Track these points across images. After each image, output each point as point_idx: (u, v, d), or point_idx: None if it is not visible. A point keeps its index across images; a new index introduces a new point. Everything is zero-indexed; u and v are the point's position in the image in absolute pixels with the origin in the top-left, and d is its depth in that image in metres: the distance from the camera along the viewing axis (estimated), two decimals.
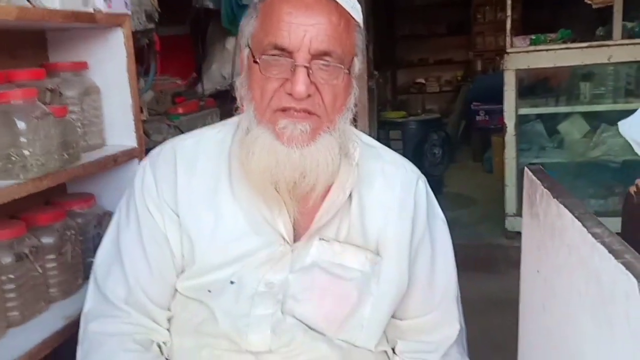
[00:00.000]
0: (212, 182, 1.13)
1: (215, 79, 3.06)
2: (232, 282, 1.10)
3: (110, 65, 1.58)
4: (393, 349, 1.23)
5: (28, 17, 1.22)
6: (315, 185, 1.05)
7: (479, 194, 5.07)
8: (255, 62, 1.01)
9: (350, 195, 1.14)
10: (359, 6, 1.09)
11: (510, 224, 3.99)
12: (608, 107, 3.99)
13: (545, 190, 0.96)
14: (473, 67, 7.93)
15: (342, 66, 1.02)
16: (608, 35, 3.79)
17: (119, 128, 1.62)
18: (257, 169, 1.03)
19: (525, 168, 1.16)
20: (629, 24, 3.80)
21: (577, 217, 0.78)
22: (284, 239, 1.10)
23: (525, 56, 3.87)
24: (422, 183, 1.22)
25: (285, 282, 1.10)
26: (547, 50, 3.83)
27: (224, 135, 1.17)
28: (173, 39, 2.85)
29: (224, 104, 2.99)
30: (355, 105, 1.11)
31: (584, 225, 0.74)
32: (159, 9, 1.89)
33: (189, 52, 3.22)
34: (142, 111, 2.05)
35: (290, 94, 0.99)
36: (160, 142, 1.99)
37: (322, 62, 1.00)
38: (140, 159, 1.62)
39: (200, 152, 1.15)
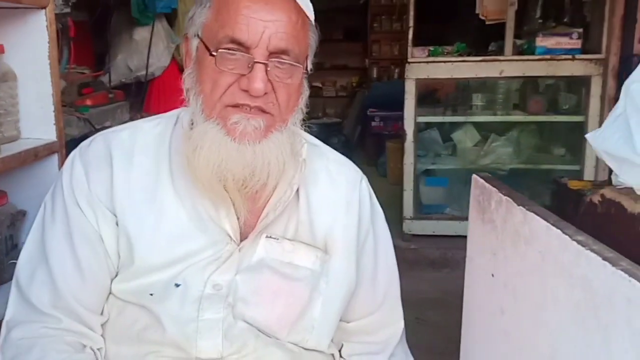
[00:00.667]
0: (152, 177, 1.07)
1: (121, 71, 2.92)
2: (177, 285, 1.05)
3: (29, 50, 1.45)
4: (340, 351, 1.23)
5: None
6: (266, 183, 1.02)
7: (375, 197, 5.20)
8: (211, 55, 0.97)
9: (297, 192, 1.12)
10: (311, 5, 1.07)
11: (407, 226, 4.13)
12: (497, 119, 4.23)
13: (506, 197, 1.00)
14: (369, 74, 8.14)
15: (299, 65, 1.01)
16: (499, 51, 4.03)
17: (36, 119, 1.49)
18: (206, 165, 0.99)
19: (474, 176, 1.21)
20: (519, 41, 4.07)
21: (553, 225, 0.82)
22: (230, 237, 1.06)
23: (424, 66, 4.02)
24: (365, 182, 1.23)
25: (233, 284, 1.06)
26: (445, 62, 4.00)
27: (162, 129, 1.12)
28: (77, 25, 2.67)
29: (131, 97, 2.86)
30: (307, 113, 1.10)
31: (564, 232, 0.78)
32: None
33: (89, 40, 3.04)
34: None
35: (245, 91, 0.96)
36: (73, 136, 1.86)
37: (279, 60, 0.98)
38: (61, 154, 1.50)
39: (137, 145, 1.09)
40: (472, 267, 1.18)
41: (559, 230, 0.79)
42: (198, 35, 1.01)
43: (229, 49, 0.96)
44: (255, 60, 0.95)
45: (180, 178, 1.06)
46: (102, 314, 1.07)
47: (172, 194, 1.06)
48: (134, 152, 1.08)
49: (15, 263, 1.08)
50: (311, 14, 1.06)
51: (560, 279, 0.78)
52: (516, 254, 0.95)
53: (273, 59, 0.97)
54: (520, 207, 0.93)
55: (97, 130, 2.22)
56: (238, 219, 1.07)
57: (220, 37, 0.96)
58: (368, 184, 1.24)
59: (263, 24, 0.95)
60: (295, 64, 0.99)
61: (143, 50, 2.88)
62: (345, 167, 1.22)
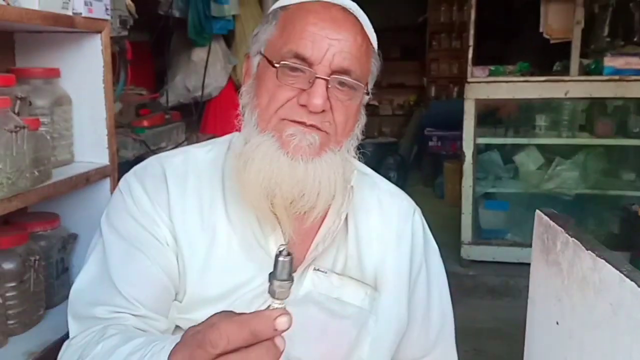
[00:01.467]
0: (206, 204, 1.04)
1: (179, 92, 2.95)
2: None
3: (84, 74, 1.46)
4: None
5: (5, 17, 1.10)
6: (315, 206, 0.98)
7: (432, 220, 4.91)
8: (273, 66, 0.95)
9: (346, 223, 1.08)
10: (375, 34, 1.05)
11: (465, 252, 4.00)
12: (562, 141, 4.06)
13: (573, 239, 0.92)
14: (427, 93, 8.01)
15: (361, 84, 0.97)
16: (565, 70, 3.88)
17: (89, 143, 1.49)
18: (255, 177, 0.95)
19: (538, 212, 1.12)
20: (585, 61, 3.91)
21: (627, 275, 0.73)
22: None
23: (485, 86, 3.91)
24: (418, 214, 1.18)
25: None
26: (506, 82, 3.88)
27: (215, 155, 1.09)
28: (135, 46, 2.72)
29: (188, 118, 2.88)
30: (363, 132, 1.06)
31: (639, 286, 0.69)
32: (136, 15, 1.77)
33: (149, 61, 3.09)
34: None
35: (303, 106, 0.94)
36: (128, 158, 1.87)
37: (341, 79, 0.95)
38: (113, 178, 1.50)
39: (190, 171, 1.06)
40: (534, 310, 1.09)
41: (633, 283, 0.71)
42: (261, 52, 1.00)
43: (292, 62, 0.94)
44: (317, 76, 0.93)
45: (231, 203, 1.03)
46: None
47: (225, 221, 1.03)
48: (187, 178, 1.06)
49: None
50: (375, 42, 1.04)
51: (634, 337, 0.69)
52: (584, 303, 0.86)
53: (335, 77, 0.94)
54: (590, 251, 0.84)
55: (153, 152, 2.25)
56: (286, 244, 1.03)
57: (284, 52, 0.95)
58: (422, 216, 1.19)
59: (328, 41, 0.94)
60: (356, 85, 0.96)
61: (200, 71, 2.90)
62: (397, 197, 1.17)
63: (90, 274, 1.03)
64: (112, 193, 1.49)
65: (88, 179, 1.41)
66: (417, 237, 1.14)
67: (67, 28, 1.33)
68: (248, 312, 1.01)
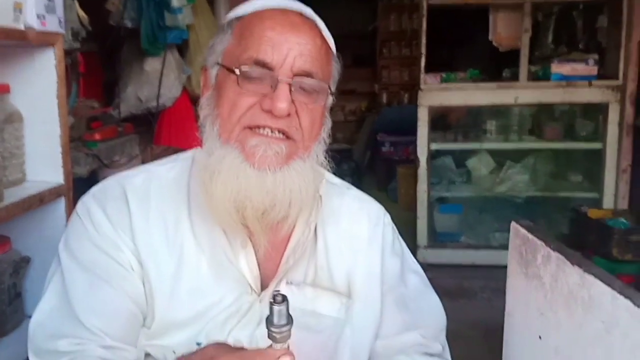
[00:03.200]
0: (171, 224, 1.00)
1: (131, 103, 2.84)
2: (198, 344, 0.96)
3: (36, 89, 1.37)
4: None
5: None
6: (287, 215, 0.95)
7: None
8: (232, 72, 0.92)
9: (315, 233, 1.06)
10: (332, 40, 1.03)
11: (422, 255, 4.03)
12: (512, 146, 4.16)
13: (556, 254, 0.91)
14: (378, 99, 8.08)
15: (324, 85, 0.95)
16: (514, 77, 3.97)
17: (42, 161, 1.41)
18: (223, 192, 0.91)
19: (513, 223, 1.11)
20: (533, 67, 4.01)
21: (620, 293, 0.73)
22: (250, 287, 0.99)
23: (437, 93, 3.96)
24: (388, 218, 1.16)
25: (254, 339, 0.98)
26: (458, 89, 3.94)
27: (178, 172, 1.05)
28: (85, 57, 2.62)
29: (141, 129, 2.79)
30: (329, 136, 1.04)
31: (635, 304, 0.69)
32: (89, 27, 1.69)
33: (99, 72, 2.98)
34: None
35: (268, 111, 0.91)
36: (82, 175, 1.79)
37: (304, 81, 0.92)
38: (68, 198, 1.42)
39: (153, 190, 1.01)
40: (513, 323, 1.08)
41: (628, 301, 0.70)
42: (218, 63, 0.97)
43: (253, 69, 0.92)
44: (279, 79, 0.90)
45: (199, 223, 1.00)
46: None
47: (192, 240, 0.99)
48: (149, 198, 1.01)
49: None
50: (333, 46, 1.02)
51: (633, 357, 0.69)
52: (571, 320, 0.85)
53: (298, 80, 0.92)
54: (576, 266, 0.84)
55: (106, 166, 2.16)
56: (258, 264, 1.00)
57: (244, 59, 0.92)
58: (391, 220, 1.17)
59: (288, 45, 0.91)
60: (319, 88, 0.94)
61: (154, 81, 2.81)
62: (366, 203, 1.15)
63: (49, 306, 0.96)
64: (67, 213, 1.42)
65: (42, 200, 1.33)
66: (387, 239, 1.12)
67: (17, 42, 1.25)
68: (222, 333, 0.97)
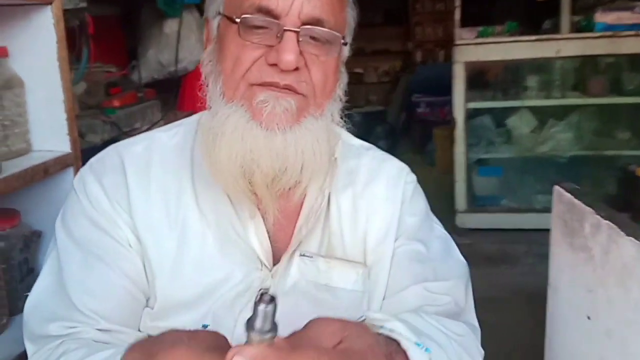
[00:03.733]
0: (173, 195, 0.91)
1: (152, 67, 2.76)
2: (204, 326, 0.88)
3: (36, 52, 1.28)
4: None
5: None
6: (300, 180, 0.86)
7: (423, 187, 4.91)
8: (234, 22, 0.82)
9: (328, 199, 0.96)
10: None
11: (460, 220, 3.91)
12: (555, 102, 3.94)
13: (607, 222, 0.78)
14: (412, 58, 7.84)
15: (337, 35, 0.85)
16: (554, 29, 3.75)
17: (48, 129, 1.33)
18: (228, 156, 0.82)
19: (556, 187, 0.98)
20: (575, 18, 3.77)
21: None
22: (261, 262, 0.90)
23: (474, 49, 3.77)
24: (411, 176, 1.03)
25: None
26: (496, 43, 3.74)
27: (181, 139, 0.96)
28: (102, 20, 2.52)
29: (164, 95, 2.71)
30: (346, 94, 0.93)
31: None
32: None
33: (120, 35, 2.90)
34: None
35: (274, 65, 0.81)
36: (97, 143, 1.71)
37: (313, 29, 0.82)
38: (76, 167, 1.34)
39: (154, 160, 0.93)
40: (557, 300, 0.96)
41: None
42: (220, 12, 0.87)
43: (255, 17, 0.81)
44: (286, 29, 0.80)
45: (204, 193, 0.91)
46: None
47: (196, 212, 0.91)
48: (150, 168, 0.93)
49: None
50: None
51: None
52: (625, 298, 0.73)
53: (306, 29, 0.82)
54: (632, 238, 0.71)
55: (125, 134, 2.09)
56: (269, 236, 0.91)
57: (246, 7, 0.82)
58: (415, 180, 1.04)
59: None
60: (331, 38, 0.84)
61: (173, 44, 2.72)
62: (387, 162, 1.03)
63: (43, 287, 0.90)
64: None
65: (46, 170, 1.25)
66: (407, 196, 1.00)
67: (9, 1, 1.16)
68: (231, 314, 0.89)
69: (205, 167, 0.88)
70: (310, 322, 0.65)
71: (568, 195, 0.91)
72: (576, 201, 0.88)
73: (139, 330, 0.90)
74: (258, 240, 0.90)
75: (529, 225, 3.71)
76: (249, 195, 0.87)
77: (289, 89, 0.82)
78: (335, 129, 0.93)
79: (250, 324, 0.55)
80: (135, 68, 2.57)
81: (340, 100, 0.92)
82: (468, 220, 3.91)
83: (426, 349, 0.70)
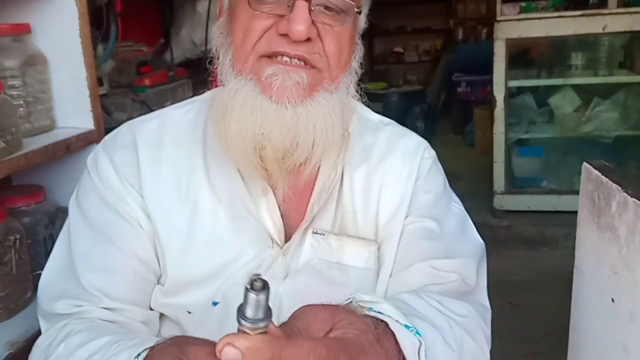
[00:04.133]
0: (185, 172, 0.91)
1: (185, 46, 2.76)
2: (214, 303, 0.88)
3: (58, 29, 1.29)
4: None
5: None
6: (311, 156, 0.83)
7: (462, 169, 4.88)
8: None
9: (342, 175, 0.93)
10: None
11: (498, 202, 3.83)
12: (601, 80, 3.81)
13: (633, 200, 0.73)
14: (454, 36, 7.66)
15: (351, 3, 0.82)
16: (602, 4, 3.60)
17: (72, 106, 1.34)
18: (237, 131, 0.81)
19: (585, 165, 0.93)
20: None
21: None
22: (272, 239, 0.89)
23: (516, 25, 3.65)
24: (429, 151, 1.00)
25: (277, 298, 0.88)
26: (539, 18, 3.61)
27: (194, 115, 0.95)
28: None
29: (197, 75, 2.71)
30: (361, 65, 0.91)
31: None
32: None
33: (154, 14, 2.90)
34: (102, 84, 1.76)
35: (284, 35, 0.79)
36: (124, 122, 1.72)
37: None
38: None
39: (167, 136, 0.93)
40: (582, 282, 0.92)
41: None
42: None
43: None
44: None
45: (216, 169, 0.90)
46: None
47: (208, 189, 0.90)
48: (162, 145, 0.92)
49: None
50: None
51: None
52: None
53: None
54: None
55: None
56: (281, 213, 0.90)
57: None
58: (434, 156, 1.00)
59: None
60: (344, 6, 0.81)
61: (206, 23, 2.71)
62: (405, 137, 1.00)
63: (55, 265, 0.91)
64: None
65: (69, 147, 1.26)
66: (422, 172, 0.96)
67: None
68: (241, 291, 0.88)
69: (216, 143, 0.87)
70: (298, 311, 0.63)
71: (596, 172, 0.86)
72: (604, 178, 0.83)
73: (150, 308, 0.90)
74: (270, 217, 0.89)
75: (570, 207, 3.56)
76: (260, 171, 0.85)
77: (300, 59, 0.80)
78: (350, 102, 0.91)
79: (241, 311, 0.51)
80: (163, 47, 2.56)
81: (356, 73, 0.89)
82: (506, 201, 3.83)
83: (416, 332, 0.67)
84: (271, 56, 0.81)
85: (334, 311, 0.63)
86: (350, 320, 0.63)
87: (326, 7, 0.81)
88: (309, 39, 0.79)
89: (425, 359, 0.66)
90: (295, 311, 0.64)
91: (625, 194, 0.76)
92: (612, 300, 0.80)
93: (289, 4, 0.79)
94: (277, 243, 0.90)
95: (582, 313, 0.90)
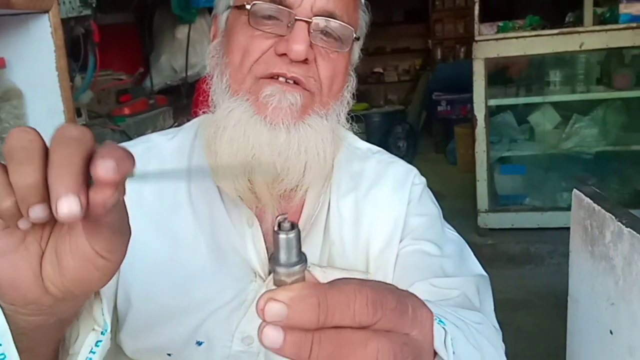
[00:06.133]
0: (167, 199, 0.88)
1: (165, 73, 2.75)
2: (199, 343, 0.84)
3: (34, 63, 1.27)
4: None
5: None
6: (301, 181, 0.81)
7: (445, 187, 4.89)
8: (244, 10, 0.80)
9: (329, 205, 0.91)
10: None
11: (483, 220, 3.83)
12: (579, 97, 3.84)
13: (629, 230, 0.72)
14: (432, 56, 7.75)
15: (350, 28, 0.82)
16: (578, 22, 3.65)
17: (48, 140, 1.30)
18: (229, 149, 0.79)
19: (575, 191, 0.92)
20: (599, 10, 3.66)
21: None
22: (255, 272, 0.86)
23: (494, 44, 3.69)
24: (419, 178, 0.97)
25: None
26: (517, 37, 3.65)
27: (180, 142, 0.93)
28: (115, 29, 2.51)
29: (177, 100, 2.69)
30: (354, 96, 0.90)
31: None
32: None
33: (134, 43, 2.89)
34: (80, 115, 1.73)
35: (283, 55, 0.79)
36: None
37: (325, 23, 0.80)
38: None
39: (151, 163, 0.90)
40: (577, 311, 0.90)
41: None
42: (230, 5, 0.85)
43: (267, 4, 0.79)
44: (297, 17, 0.78)
45: (200, 197, 0.88)
46: None
47: (190, 218, 0.87)
48: (147, 169, 0.87)
49: None
50: None
51: None
52: None
53: (318, 21, 0.80)
54: None
55: None
56: (266, 246, 0.86)
57: None
58: (424, 182, 0.98)
59: None
60: (342, 35, 0.81)
61: (186, 49, 2.70)
62: (393, 165, 0.98)
63: None
64: None
65: None
66: (414, 197, 0.94)
67: (5, 10, 1.13)
68: (228, 329, 0.82)
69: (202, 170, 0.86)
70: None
71: (587, 199, 0.84)
72: (596, 206, 0.82)
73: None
74: (255, 249, 0.86)
75: (554, 223, 3.63)
76: (248, 195, 0.82)
77: (295, 81, 0.79)
78: (340, 131, 0.90)
79: (274, 259, 0.48)
80: (143, 75, 2.55)
81: (348, 103, 0.88)
82: (490, 219, 3.83)
83: (440, 320, 0.58)
84: (267, 78, 0.80)
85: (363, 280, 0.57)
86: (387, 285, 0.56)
87: (325, 33, 0.81)
88: (305, 61, 0.79)
89: (453, 348, 0.60)
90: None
91: (619, 223, 0.74)
92: (611, 333, 0.78)
93: (289, 25, 0.79)
94: (260, 276, 0.86)
95: (579, 344, 0.88)
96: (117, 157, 0.44)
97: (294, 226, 0.48)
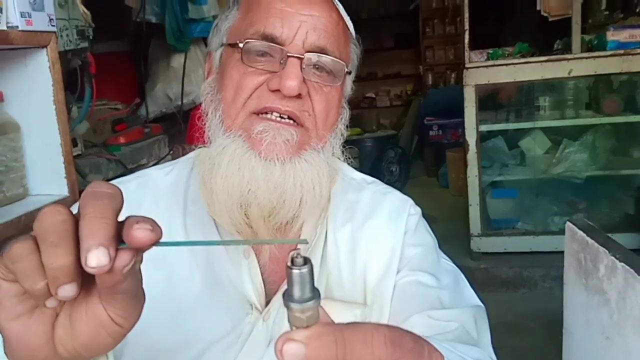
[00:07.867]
0: (162, 231, 0.86)
1: (160, 101, 2.76)
2: None
3: (32, 96, 1.27)
4: None
5: None
6: (297, 215, 0.82)
7: (438, 211, 4.90)
8: (237, 48, 0.81)
9: (325, 237, 0.91)
10: (351, 22, 0.90)
11: (475, 244, 3.84)
12: (568, 122, 3.89)
13: (622, 265, 0.73)
14: (424, 81, 7.83)
15: (342, 62, 0.84)
16: (566, 49, 3.71)
17: (45, 173, 1.31)
18: (223, 186, 0.79)
19: (568, 224, 0.94)
20: (587, 37, 3.73)
21: None
22: (251, 305, 0.86)
23: (484, 71, 3.73)
24: (414, 209, 0.98)
25: None
26: (506, 64, 3.71)
27: (176, 176, 0.93)
28: (110, 58, 2.53)
29: (172, 127, 2.70)
30: (347, 128, 0.92)
31: None
32: (92, 24, 1.59)
33: (129, 72, 2.91)
34: (76, 144, 1.74)
35: (276, 91, 0.80)
36: None
37: (317, 58, 0.82)
38: None
39: (147, 197, 0.90)
40: (572, 344, 0.91)
41: None
42: (223, 43, 0.87)
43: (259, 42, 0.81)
44: (289, 54, 0.80)
45: (195, 231, 0.88)
46: None
47: (185, 250, 0.87)
48: (142, 205, 0.89)
49: None
50: (352, 27, 0.90)
51: None
52: None
53: (310, 57, 0.81)
54: None
55: (131, 171, 2.07)
56: (262, 278, 0.86)
57: (250, 34, 0.81)
58: (419, 212, 0.98)
59: (300, 17, 0.81)
60: (334, 70, 0.83)
61: (181, 77, 2.72)
62: (389, 195, 0.98)
63: None
64: None
65: None
66: (410, 227, 0.94)
67: (3, 45, 1.15)
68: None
69: (198, 204, 0.86)
70: None
71: (581, 232, 0.86)
72: (589, 240, 0.83)
73: None
74: (251, 281, 0.86)
75: (546, 247, 3.65)
76: (245, 229, 0.83)
77: (290, 116, 0.80)
78: (335, 163, 0.91)
79: (287, 295, 0.48)
80: (139, 105, 2.56)
81: (342, 135, 0.90)
82: (483, 244, 3.84)
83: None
84: (261, 112, 0.81)
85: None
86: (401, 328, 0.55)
87: (317, 67, 0.82)
88: (299, 96, 0.80)
89: None
90: None
91: (613, 257, 0.76)
92: None
93: (281, 62, 0.80)
94: (256, 308, 0.86)
95: None
96: (151, 224, 0.45)
97: (306, 261, 0.48)
